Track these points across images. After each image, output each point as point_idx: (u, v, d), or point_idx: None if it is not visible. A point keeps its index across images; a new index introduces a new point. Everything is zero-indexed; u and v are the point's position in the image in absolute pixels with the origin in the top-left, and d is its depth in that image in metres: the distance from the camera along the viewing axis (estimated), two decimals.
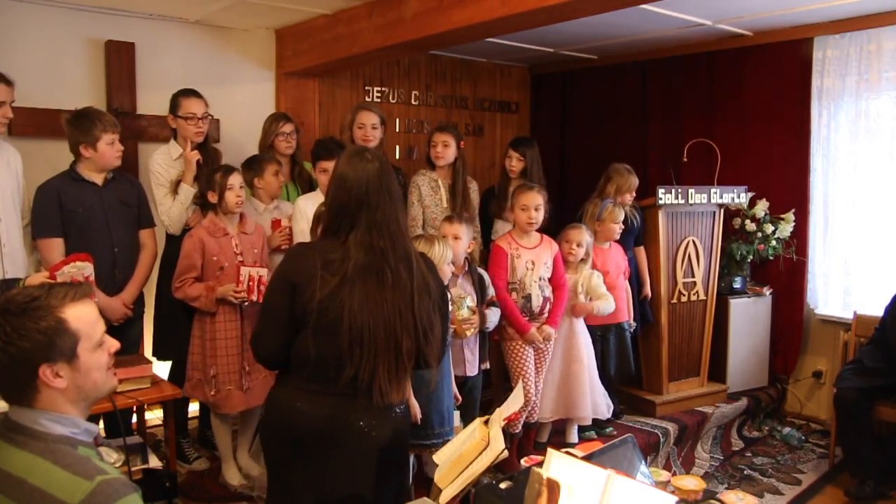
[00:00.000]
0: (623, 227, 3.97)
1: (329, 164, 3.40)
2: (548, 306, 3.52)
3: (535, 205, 3.47)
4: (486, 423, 1.99)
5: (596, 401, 3.70)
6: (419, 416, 2.91)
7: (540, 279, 3.51)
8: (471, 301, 3.25)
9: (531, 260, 3.49)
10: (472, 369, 3.38)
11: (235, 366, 3.15)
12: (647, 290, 4.28)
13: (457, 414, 3.12)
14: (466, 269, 3.39)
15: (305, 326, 1.95)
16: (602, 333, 3.87)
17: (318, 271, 1.93)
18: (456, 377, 3.26)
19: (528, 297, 3.49)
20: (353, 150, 2.09)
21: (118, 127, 3.17)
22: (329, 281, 1.92)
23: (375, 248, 1.95)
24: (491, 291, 3.41)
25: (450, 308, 3.16)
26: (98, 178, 3.18)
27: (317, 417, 1.98)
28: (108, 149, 3.10)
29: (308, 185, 3.94)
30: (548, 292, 3.53)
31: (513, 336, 3.49)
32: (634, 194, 4.09)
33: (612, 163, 4.14)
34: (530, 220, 3.48)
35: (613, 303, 3.71)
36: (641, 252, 4.29)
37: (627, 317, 3.99)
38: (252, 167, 3.56)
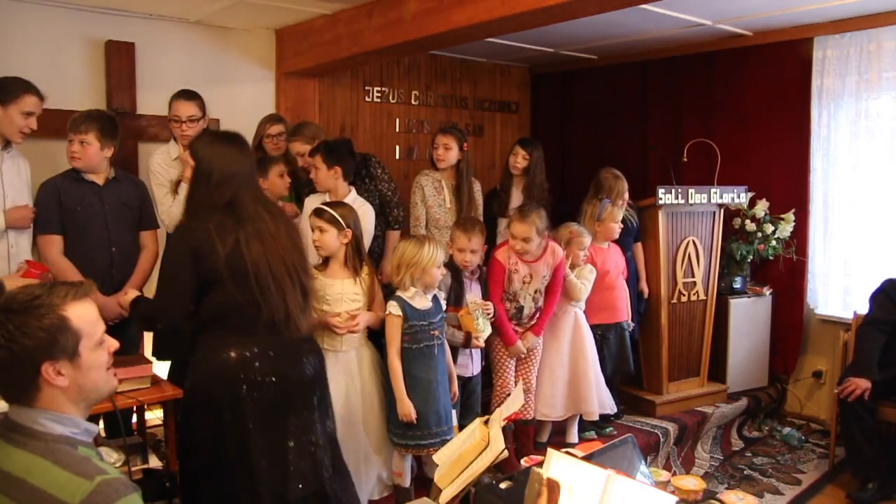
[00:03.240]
0: (622, 226, 3.97)
1: (314, 161, 3.41)
2: (538, 315, 3.52)
3: (523, 237, 3.37)
4: (486, 423, 1.99)
5: (601, 395, 3.71)
6: (413, 416, 2.91)
7: (535, 291, 3.49)
8: (483, 310, 3.25)
9: (529, 274, 3.46)
10: (474, 369, 3.38)
11: None
12: (644, 286, 4.29)
13: (453, 413, 3.12)
14: (478, 274, 3.41)
15: (219, 283, 2.29)
16: (602, 333, 3.87)
17: (213, 235, 2.29)
18: (460, 378, 3.26)
19: (519, 308, 3.48)
20: (223, 133, 2.55)
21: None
22: (227, 239, 2.29)
23: (262, 210, 2.40)
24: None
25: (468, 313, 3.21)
26: (99, 178, 3.20)
27: (248, 361, 2.32)
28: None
29: (300, 187, 3.92)
30: (541, 302, 3.52)
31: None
32: (627, 197, 4.09)
33: (603, 167, 4.14)
34: (518, 250, 3.41)
35: (585, 288, 3.68)
36: (639, 248, 4.31)
37: (626, 316, 3.99)
38: (257, 168, 3.57)
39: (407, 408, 2.91)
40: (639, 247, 4.31)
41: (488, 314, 3.28)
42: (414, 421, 2.92)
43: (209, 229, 2.30)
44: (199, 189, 2.40)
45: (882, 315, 3.70)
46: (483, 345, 3.29)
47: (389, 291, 3.09)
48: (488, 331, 3.27)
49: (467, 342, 3.25)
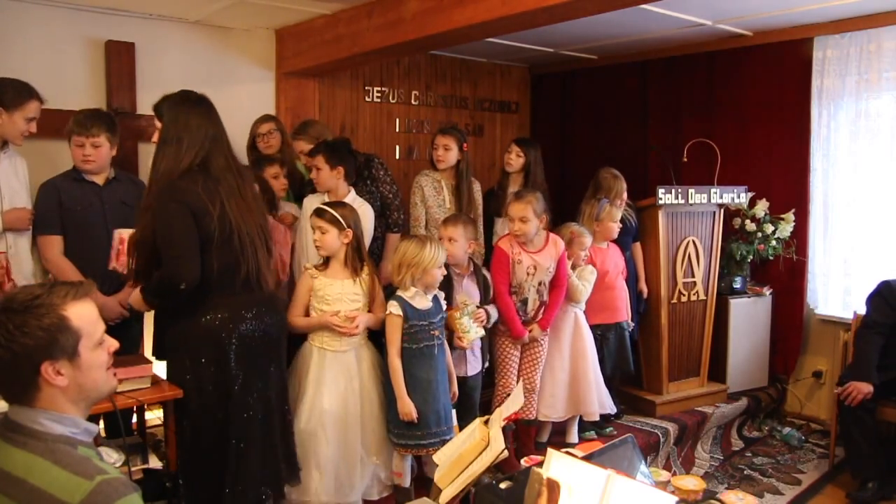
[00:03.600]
0: (620, 226, 3.97)
1: (315, 161, 3.41)
2: (542, 310, 3.52)
3: (519, 216, 3.39)
4: (486, 423, 1.99)
5: (601, 396, 3.71)
6: (414, 415, 2.91)
7: (539, 284, 3.48)
8: (472, 310, 3.23)
9: (532, 265, 3.46)
10: (473, 369, 3.37)
11: None
12: (643, 286, 4.28)
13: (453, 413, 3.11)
14: (471, 270, 3.39)
15: (209, 245, 2.43)
16: (602, 333, 3.87)
17: (204, 198, 2.41)
18: (457, 378, 3.25)
19: (524, 301, 3.48)
20: (188, 95, 2.58)
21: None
22: (215, 202, 2.43)
23: (233, 170, 2.53)
24: (491, 293, 3.41)
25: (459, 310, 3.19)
26: (99, 178, 3.21)
27: (235, 319, 2.48)
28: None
29: (298, 186, 3.92)
30: (545, 296, 3.52)
31: (503, 332, 3.49)
32: (625, 197, 4.09)
33: (603, 167, 4.14)
34: (515, 231, 3.43)
35: (587, 289, 3.68)
36: (638, 248, 4.31)
37: (626, 316, 3.99)
38: (251, 168, 3.58)
39: (408, 407, 2.91)
40: (637, 247, 4.31)
41: (480, 320, 3.24)
42: (415, 420, 2.92)
43: (199, 192, 2.41)
44: (168, 151, 2.46)
45: (879, 318, 3.71)
46: (466, 346, 3.24)
47: (390, 292, 3.09)
48: (475, 333, 3.22)
49: (449, 341, 3.22)
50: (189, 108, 2.51)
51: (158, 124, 2.53)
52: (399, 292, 3.00)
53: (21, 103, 2.99)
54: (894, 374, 3.67)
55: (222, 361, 2.49)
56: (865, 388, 3.56)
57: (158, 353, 3.56)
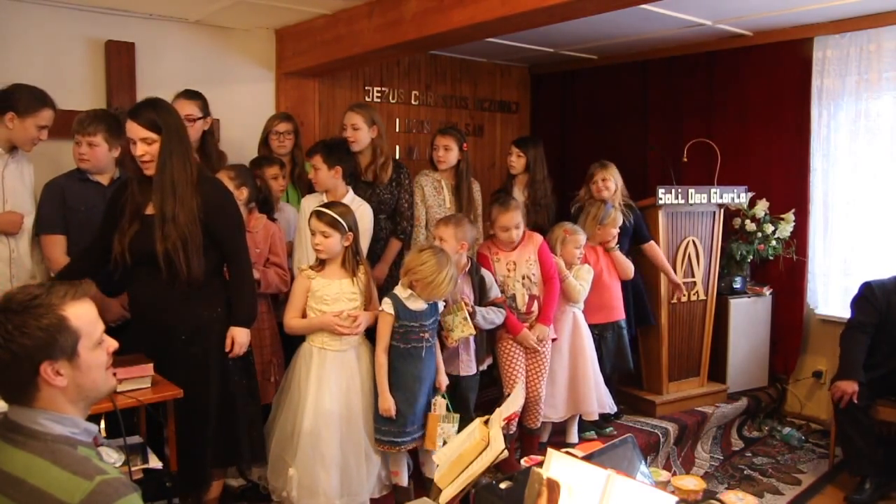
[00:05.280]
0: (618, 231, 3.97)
1: (313, 161, 3.41)
2: (535, 304, 3.51)
3: (515, 224, 3.46)
4: (486, 423, 1.99)
5: (601, 395, 3.71)
6: (393, 411, 2.94)
7: (524, 278, 3.50)
8: (458, 309, 3.22)
9: (512, 261, 3.50)
10: (468, 369, 3.35)
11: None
12: (675, 278, 4.19)
13: (445, 402, 3.11)
14: (467, 270, 3.39)
15: None
16: (600, 332, 3.87)
17: None
18: (449, 376, 3.24)
19: (512, 297, 3.49)
20: (161, 100, 2.76)
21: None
22: None
23: None
24: (493, 293, 3.40)
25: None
26: (104, 179, 3.21)
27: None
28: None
29: (308, 187, 3.92)
30: (535, 290, 3.51)
31: (505, 337, 3.48)
32: (602, 184, 3.97)
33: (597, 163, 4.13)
34: (506, 240, 3.50)
35: (584, 289, 3.69)
36: (653, 247, 4.15)
37: (623, 315, 3.98)
38: (254, 166, 3.58)
39: (388, 402, 2.94)
40: (653, 245, 4.15)
41: (467, 304, 3.22)
42: (393, 416, 2.93)
43: None
44: (181, 152, 2.62)
45: (864, 318, 3.75)
46: (450, 344, 3.22)
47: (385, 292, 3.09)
48: (459, 333, 3.20)
49: (443, 340, 3.22)
50: (176, 114, 2.71)
51: (154, 135, 2.56)
52: (396, 290, 3.01)
53: (35, 110, 3.00)
54: (884, 371, 3.68)
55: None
56: (850, 388, 3.60)
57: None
